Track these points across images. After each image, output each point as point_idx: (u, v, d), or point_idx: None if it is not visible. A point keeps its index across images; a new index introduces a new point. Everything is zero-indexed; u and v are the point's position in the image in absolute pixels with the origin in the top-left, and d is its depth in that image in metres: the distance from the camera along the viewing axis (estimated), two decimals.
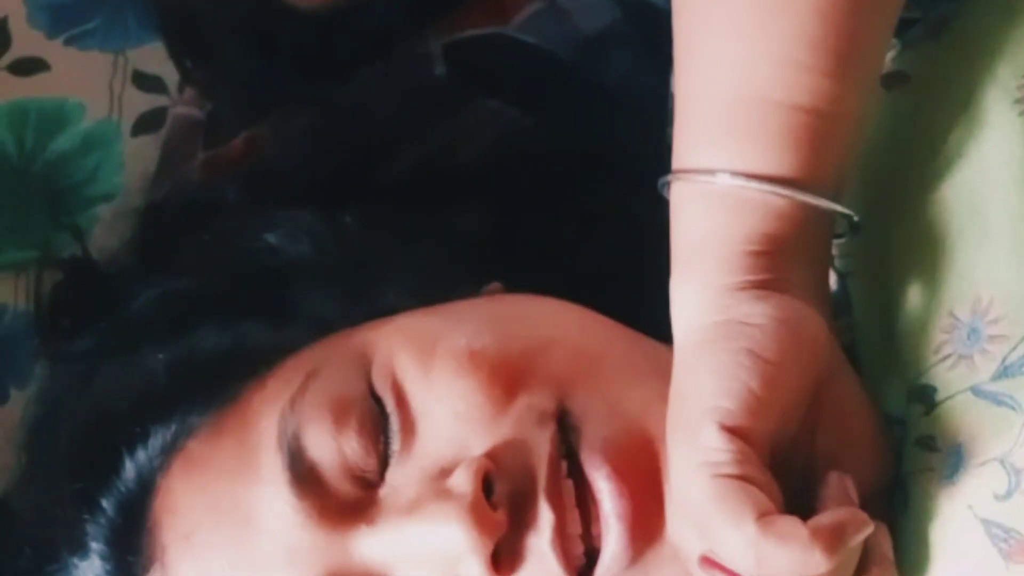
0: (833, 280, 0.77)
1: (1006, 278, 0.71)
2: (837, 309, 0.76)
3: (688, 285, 0.71)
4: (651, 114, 0.94)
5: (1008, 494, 0.67)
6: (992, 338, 0.70)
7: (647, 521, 0.71)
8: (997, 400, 0.69)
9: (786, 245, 0.70)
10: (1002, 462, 0.68)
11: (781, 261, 0.70)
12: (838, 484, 0.68)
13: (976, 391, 0.70)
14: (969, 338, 0.71)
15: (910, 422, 0.72)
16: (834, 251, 0.77)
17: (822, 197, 0.70)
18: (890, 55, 0.79)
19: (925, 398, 0.71)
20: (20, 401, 0.99)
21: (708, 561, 0.67)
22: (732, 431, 0.66)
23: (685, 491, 0.68)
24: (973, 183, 0.73)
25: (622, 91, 0.96)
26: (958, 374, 0.70)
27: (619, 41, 0.96)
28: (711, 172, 0.70)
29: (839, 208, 0.71)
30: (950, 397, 0.70)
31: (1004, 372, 0.69)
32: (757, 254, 0.70)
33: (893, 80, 0.78)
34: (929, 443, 0.70)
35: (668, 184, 0.73)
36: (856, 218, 0.73)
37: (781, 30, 0.70)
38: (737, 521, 0.64)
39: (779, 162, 0.70)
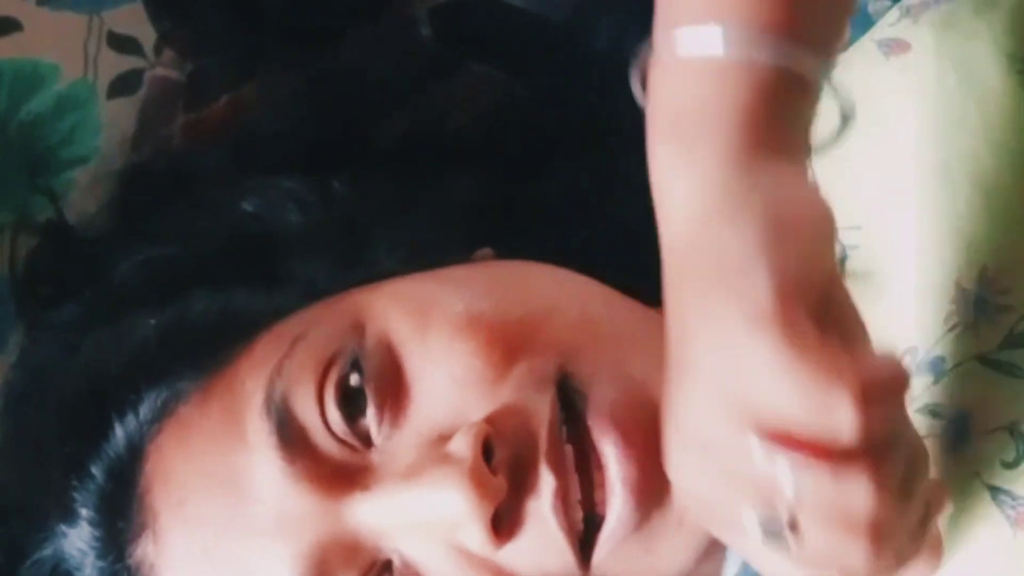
0: (838, 251, 0.78)
1: (1013, 248, 0.71)
2: None
3: (693, 153, 0.64)
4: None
5: (1016, 462, 0.69)
6: (999, 308, 0.71)
7: (653, 487, 0.71)
8: (1005, 369, 0.70)
9: (791, 108, 0.66)
10: (1010, 430, 0.69)
11: (787, 126, 0.66)
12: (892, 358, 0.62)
13: (983, 360, 0.71)
14: (976, 307, 0.71)
15: (915, 391, 0.73)
16: (838, 223, 0.77)
17: (816, 61, 0.66)
18: (889, 21, 0.80)
19: (934, 368, 0.72)
20: None
21: (771, 434, 0.58)
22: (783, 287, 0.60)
23: (737, 358, 0.59)
24: (978, 153, 0.73)
25: (612, 56, 0.96)
26: (965, 343, 0.71)
27: (609, 6, 0.95)
28: (717, 23, 0.64)
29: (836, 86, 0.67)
30: (957, 365, 0.71)
31: (1012, 342, 0.70)
32: (765, 120, 0.64)
33: (893, 47, 0.78)
34: (935, 411, 0.71)
35: (645, 57, 0.68)
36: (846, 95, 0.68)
37: None
38: (837, 381, 0.57)
39: (781, 20, 0.65)
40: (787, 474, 0.58)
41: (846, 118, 0.68)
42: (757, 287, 0.59)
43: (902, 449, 0.60)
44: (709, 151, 0.63)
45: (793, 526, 0.59)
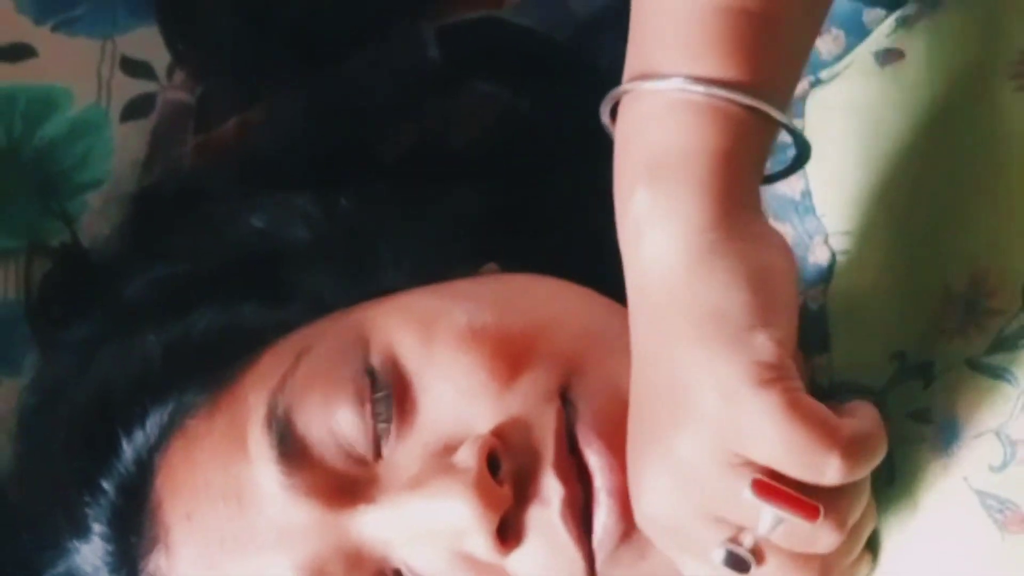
0: (826, 257, 0.78)
1: (1002, 254, 0.71)
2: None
3: (675, 198, 0.66)
4: None
5: (1003, 465, 0.68)
6: (988, 311, 0.71)
7: None
8: (993, 373, 0.69)
9: (759, 162, 0.69)
10: (997, 434, 0.68)
11: (753, 174, 0.69)
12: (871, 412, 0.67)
13: (972, 363, 0.70)
14: (964, 311, 0.71)
15: (904, 396, 0.72)
16: (827, 225, 0.78)
17: (779, 108, 0.68)
18: (884, 32, 0.80)
19: (923, 372, 0.71)
20: (11, 389, 0.99)
21: (765, 487, 0.64)
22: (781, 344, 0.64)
23: (742, 411, 0.63)
24: (970, 159, 0.73)
25: (614, 74, 0.96)
26: (954, 347, 0.71)
27: (611, 25, 0.96)
28: (690, 79, 0.67)
29: (789, 124, 0.69)
30: (946, 370, 0.71)
31: (1000, 345, 0.70)
32: (739, 167, 0.67)
33: (888, 57, 0.78)
34: (923, 415, 0.71)
35: (617, 100, 0.70)
36: (802, 135, 0.71)
37: None
38: (829, 442, 0.63)
39: (741, 70, 0.67)
40: (768, 520, 0.64)
41: (802, 157, 0.72)
42: (761, 346, 0.64)
43: (863, 499, 0.67)
44: (690, 196, 0.66)
45: (758, 557, 0.66)
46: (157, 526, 0.79)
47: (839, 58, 0.84)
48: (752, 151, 0.68)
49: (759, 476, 0.64)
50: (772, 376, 0.63)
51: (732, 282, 0.65)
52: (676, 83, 0.67)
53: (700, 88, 0.66)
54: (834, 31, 0.85)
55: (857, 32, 0.84)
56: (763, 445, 0.63)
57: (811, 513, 0.64)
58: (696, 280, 0.65)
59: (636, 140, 0.69)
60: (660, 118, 0.68)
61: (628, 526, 0.71)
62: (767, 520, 0.64)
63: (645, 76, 0.69)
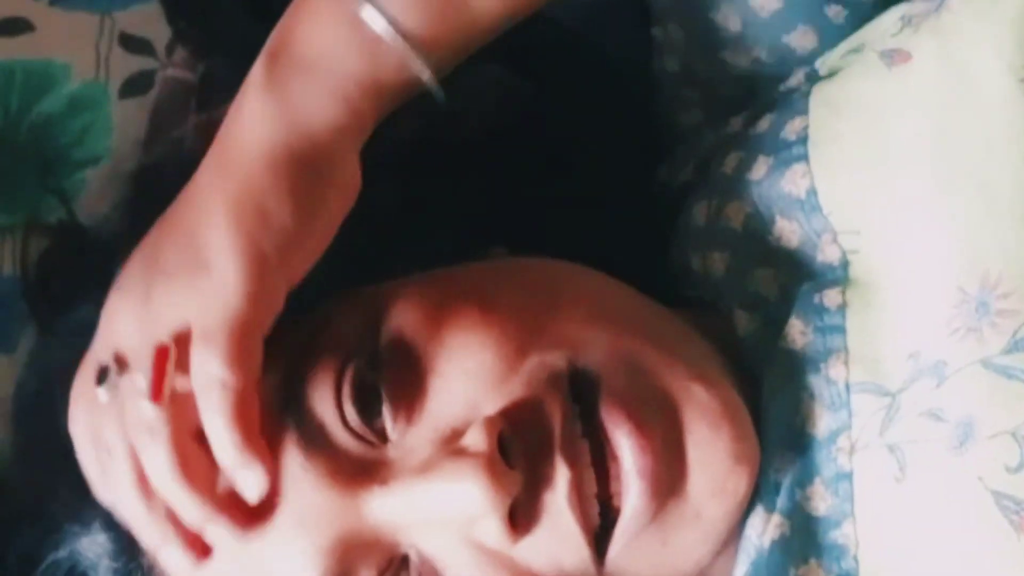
0: (837, 255, 0.78)
1: (1016, 253, 0.71)
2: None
3: (294, 89, 0.75)
4: (641, 85, 0.95)
5: (1019, 466, 0.69)
6: (1002, 312, 0.71)
7: (668, 477, 0.72)
8: (1008, 373, 0.70)
9: (384, 101, 0.77)
10: (1013, 435, 0.69)
11: (373, 113, 0.77)
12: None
13: (986, 364, 0.70)
14: (978, 311, 0.71)
15: (918, 395, 0.73)
16: (835, 224, 0.78)
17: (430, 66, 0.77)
18: (890, 31, 0.80)
19: (936, 372, 0.72)
20: (6, 366, 0.98)
21: (160, 353, 0.72)
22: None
23: (203, 294, 0.72)
24: (979, 160, 0.73)
25: (621, 59, 0.96)
26: (967, 347, 0.71)
27: (618, 8, 0.96)
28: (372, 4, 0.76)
29: (437, 91, 0.79)
30: (959, 370, 0.71)
31: (1015, 346, 0.70)
32: (365, 97, 0.76)
33: (895, 58, 0.78)
34: (938, 415, 0.71)
35: None
36: (442, 98, 0.79)
37: None
38: (223, 364, 0.71)
39: (420, 27, 0.76)
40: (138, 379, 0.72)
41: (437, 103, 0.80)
42: (272, 271, 0.73)
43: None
44: (306, 96, 0.75)
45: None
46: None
47: (815, 52, 0.85)
48: (382, 87, 0.77)
49: (167, 343, 0.71)
50: (250, 288, 0.71)
51: (294, 195, 0.73)
52: (370, 11, 0.76)
53: (381, 22, 0.76)
54: (800, 27, 0.86)
55: (824, 26, 0.85)
56: (198, 320, 0.71)
57: (155, 394, 0.71)
58: (264, 172, 0.73)
59: (299, 17, 0.78)
60: (330, 16, 0.76)
61: (658, 508, 0.72)
62: (138, 375, 0.72)
63: None
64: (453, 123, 0.90)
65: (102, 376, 0.74)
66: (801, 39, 0.86)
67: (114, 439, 0.74)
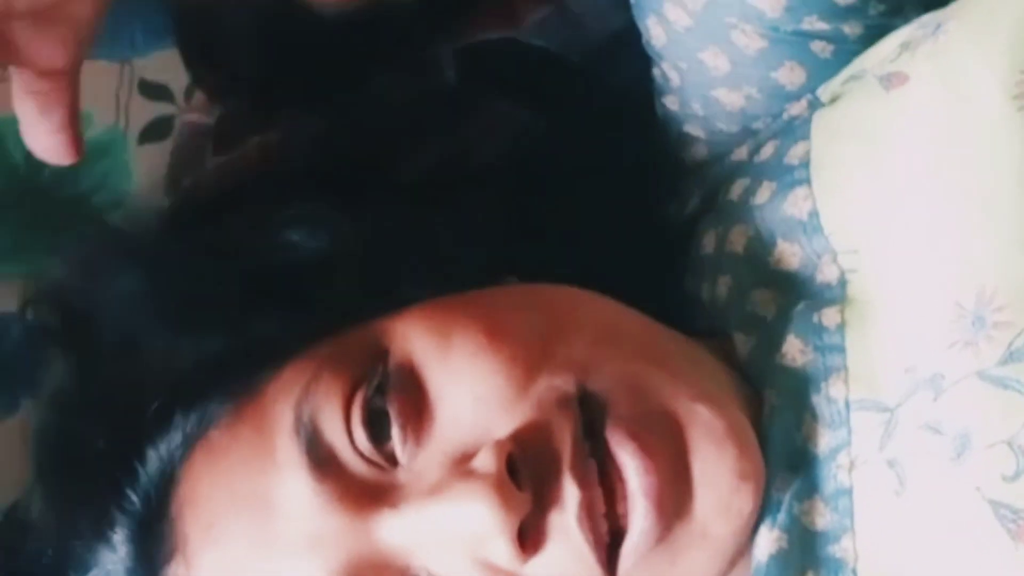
0: (835, 275, 0.78)
1: (1011, 268, 0.72)
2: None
3: None
4: (649, 119, 0.96)
5: (1016, 475, 0.68)
6: (997, 324, 0.71)
7: (674, 498, 0.73)
8: (1004, 384, 0.70)
9: None
10: (1010, 444, 0.69)
11: None
12: None
13: (982, 376, 0.71)
14: (974, 325, 0.72)
15: (916, 408, 0.73)
16: (835, 245, 0.78)
17: None
18: (888, 57, 0.81)
19: (934, 385, 0.72)
20: (31, 410, 1.00)
21: None
22: None
23: None
24: (975, 177, 0.74)
25: (629, 93, 0.97)
26: (964, 360, 0.71)
27: (625, 45, 0.97)
28: None
29: None
30: (956, 382, 0.71)
31: (1010, 357, 0.70)
32: None
33: (893, 81, 0.79)
34: (934, 427, 0.71)
35: None
36: None
37: None
38: None
39: None
40: None
41: None
42: None
43: None
44: None
45: None
46: (176, 536, 0.79)
47: (806, 87, 0.86)
48: None
49: None
50: None
51: None
52: None
53: None
54: (787, 63, 0.86)
55: (811, 61, 0.85)
56: None
57: None
58: None
59: None
60: None
61: (664, 528, 0.72)
62: None
63: None
64: (467, 155, 0.91)
65: None
66: (789, 75, 0.87)
67: None
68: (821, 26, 0.85)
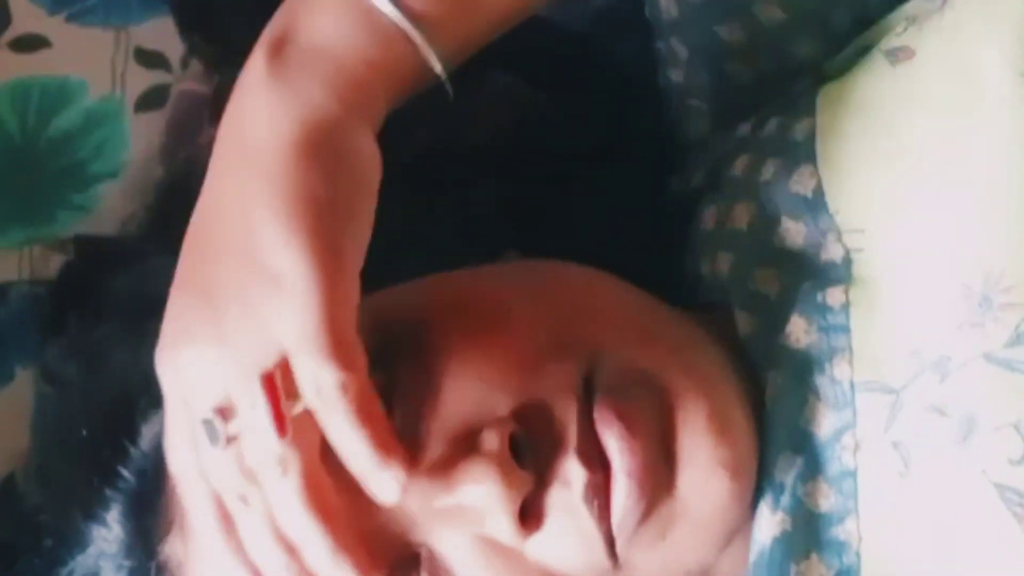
0: (840, 254, 0.78)
1: (1018, 248, 0.71)
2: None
3: (303, 78, 0.71)
4: (651, 97, 0.95)
5: (1023, 459, 0.68)
6: (1004, 306, 0.71)
7: (655, 476, 0.73)
8: (1011, 366, 0.70)
9: (396, 87, 0.74)
10: (1016, 427, 0.69)
11: (385, 99, 0.74)
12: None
13: (989, 358, 0.70)
14: (981, 306, 0.71)
15: (921, 390, 0.72)
16: (840, 223, 0.78)
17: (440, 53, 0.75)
18: (896, 32, 0.80)
19: (940, 367, 0.72)
20: (26, 380, 0.99)
21: (269, 380, 0.67)
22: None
23: (290, 302, 0.67)
24: (982, 155, 0.73)
25: (631, 66, 0.96)
26: (971, 342, 0.71)
27: (628, 16, 0.96)
28: None
29: (446, 81, 0.76)
30: (963, 364, 0.71)
31: (1018, 339, 0.70)
32: (377, 81, 0.73)
33: (899, 56, 0.78)
34: (940, 409, 0.71)
35: None
36: (450, 92, 0.76)
37: None
38: (338, 360, 0.67)
39: (430, 13, 0.74)
40: (254, 413, 0.67)
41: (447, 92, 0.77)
42: (346, 251, 0.69)
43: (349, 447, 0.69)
44: (315, 84, 0.71)
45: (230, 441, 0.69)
46: (173, 509, 0.79)
47: (818, 58, 0.85)
48: (392, 74, 0.73)
49: (271, 369, 0.67)
50: (328, 282, 0.66)
51: (333, 176, 0.69)
52: None
53: (390, 7, 0.72)
54: (806, 36, 0.86)
55: (829, 32, 0.86)
56: (291, 335, 0.66)
57: (280, 427, 0.67)
58: (299, 163, 0.68)
59: (301, 6, 0.74)
60: (338, 5, 0.73)
61: (648, 508, 0.72)
62: (256, 412, 0.67)
63: None
64: (466, 130, 0.91)
65: (211, 435, 0.69)
66: (805, 47, 0.87)
67: (243, 490, 0.70)
68: None
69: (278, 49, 0.73)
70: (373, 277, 0.81)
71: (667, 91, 0.94)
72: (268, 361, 0.67)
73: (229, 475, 0.69)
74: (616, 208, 0.93)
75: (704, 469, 0.74)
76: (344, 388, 0.66)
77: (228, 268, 0.69)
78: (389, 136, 0.84)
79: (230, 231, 0.69)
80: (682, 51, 0.91)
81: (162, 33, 1.04)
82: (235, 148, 0.72)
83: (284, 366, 0.67)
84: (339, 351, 0.66)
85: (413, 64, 0.74)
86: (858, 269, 0.77)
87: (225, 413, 0.68)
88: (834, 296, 0.77)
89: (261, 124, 0.70)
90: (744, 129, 0.89)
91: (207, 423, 0.68)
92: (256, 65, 0.73)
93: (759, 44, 0.88)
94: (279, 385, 0.66)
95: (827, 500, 0.75)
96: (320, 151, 0.69)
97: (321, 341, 0.66)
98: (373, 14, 0.73)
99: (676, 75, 0.92)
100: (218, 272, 0.69)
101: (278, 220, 0.67)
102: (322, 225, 0.67)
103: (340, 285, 0.67)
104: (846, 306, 0.76)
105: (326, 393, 0.66)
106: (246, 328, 0.68)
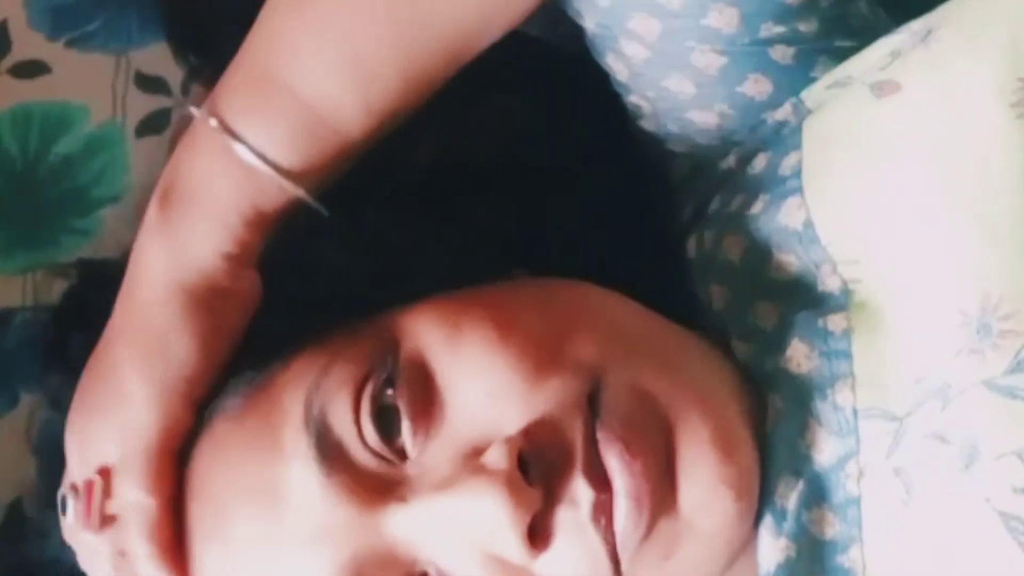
0: (837, 285, 0.78)
1: (1016, 277, 0.71)
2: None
3: (179, 228, 0.81)
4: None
5: None
6: (1004, 333, 0.71)
7: (656, 496, 0.73)
8: (1011, 394, 0.70)
9: (268, 223, 0.81)
10: (1020, 456, 0.69)
11: (259, 235, 0.81)
12: None
13: (989, 385, 0.71)
14: (979, 333, 0.72)
15: (923, 417, 0.73)
16: (834, 255, 0.78)
17: (309, 192, 0.82)
18: (878, 65, 0.80)
19: (941, 394, 0.72)
20: (30, 405, 1.00)
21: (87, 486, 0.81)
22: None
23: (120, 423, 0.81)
24: (975, 185, 0.73)
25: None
26: (970, 368, 0.71)
27: None
28: (242, 142, 0.80)
29: (318, 207, 0.83)
30: (963, 391, 0.71)
31: (1018, 366, 0.70)
32: (248, 224, 0.81)
33: (884, 89, 0.78)
34: (942, 436, 0.71)
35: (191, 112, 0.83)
36: (324, 213, 0.83)
37: (336, 38, 0.80)
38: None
39: (292, 156, 0.81)
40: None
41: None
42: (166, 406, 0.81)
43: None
44: (192, 233, 0.80)
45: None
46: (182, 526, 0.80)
47: (777, 97, 0.85)
48: (262, 212, 0.81)
49: (93, 477, 0.80)
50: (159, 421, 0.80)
51: (181, 334, 0.80)
52: (241, 148, 0.80)
53: (251, 157, 0.80)
54: (751, 76, 0.86)
55: (774, 70, 0.85)
56: (117, 463, 0.81)
57: (87, 523, 0.81)
58: (161, 310, 0.80)
59: (183, 156, 0.82)
60: (209, 154, 0.81)
61: (649, 526, 0.73)
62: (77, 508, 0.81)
63: (218, 113, 0.81)
64: (467, 150, 0.91)
65: (63, 504, 0.82)
66: (755, 87, 0.86)
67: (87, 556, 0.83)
68: (778, 30, 0.84)
69: (166, 197, 0.81)
70: (382, 297, 0.82)
71: (641, 140, 0.94)
72: (97, 467, 0.81)
73: (77, 543, 0.83)
74: (618, 227, 0.93)
75: (707, 487, 0.74)
76: (141, 508, 0.79)
77: (99, 384, 0.81)
78: (392, 157, 0.85)
79: (107, 357, 0.82)
80: (645, 105, 0.91)
81: (162, 58, 1.04)
82: (125, 286, 0.82)
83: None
84: (147, 477, 0.79)
85: (283, 199, 0.81)
86: (857, 299, 0.77)
87: (76, 493, 0.81)
88: (835, 322, 0.77)
89: (143, 270, 0.81)
90: (728, 162, 0.89)
91: (62, 495, 0.82)
92: (151, 210, 0.82)
93: (709, 91, 0.87)
94: (96, 490, 0.80)
95: (832, 528, 0.75)
96: (186, 302, 0.80)
97: (136, 466, 0.79)
98: (239, 161, 0.80)
99: (647, 125, 0.92)
100: (93, 385, 0.82)
101: (133, 361, 0.80)
102: (168, 371, 0.79)
103: (168, 424, 0.80)
104: (848, 332, 0.77)
105: (126, 507, 0.80)
106: (96, 434, 0.81)
